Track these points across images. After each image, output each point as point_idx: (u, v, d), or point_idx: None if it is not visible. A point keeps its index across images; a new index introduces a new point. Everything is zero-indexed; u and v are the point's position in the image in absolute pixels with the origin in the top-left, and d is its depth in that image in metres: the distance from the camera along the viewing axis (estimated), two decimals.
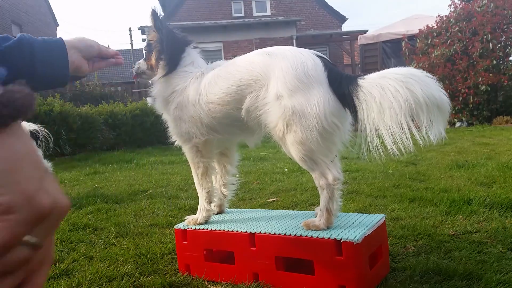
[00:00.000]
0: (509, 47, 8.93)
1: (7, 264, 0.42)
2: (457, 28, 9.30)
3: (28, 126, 3.75)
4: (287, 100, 1.58)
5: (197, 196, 1.93)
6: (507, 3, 8.94)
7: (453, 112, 8.98)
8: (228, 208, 2.13)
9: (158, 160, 6.13)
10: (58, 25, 25.03)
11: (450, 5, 10.07)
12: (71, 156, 7.05)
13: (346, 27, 27.12)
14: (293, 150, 1.62)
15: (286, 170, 4.45)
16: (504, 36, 9.03)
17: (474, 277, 1.61)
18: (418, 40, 10.19)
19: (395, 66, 1.60)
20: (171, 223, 2.62)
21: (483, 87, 8.73)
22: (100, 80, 12.48)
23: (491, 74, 8.70)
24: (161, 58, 1.84)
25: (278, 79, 1.60)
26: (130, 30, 29.01)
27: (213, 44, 16.14)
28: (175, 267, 1.92)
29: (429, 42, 9.81)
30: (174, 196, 3.49)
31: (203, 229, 1.83)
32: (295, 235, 1.61)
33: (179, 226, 1.91)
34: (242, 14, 19.69)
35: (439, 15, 10.03)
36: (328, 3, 20.56)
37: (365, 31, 15.84)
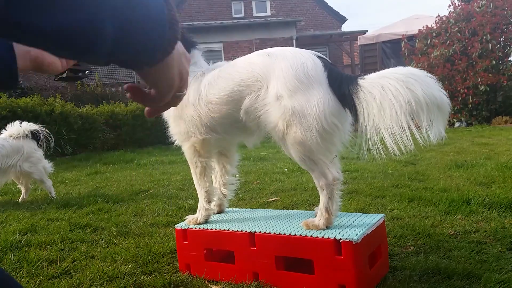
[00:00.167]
0: (508, 48, 8.94)
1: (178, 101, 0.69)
2: (456, 29, 9.31)
3: (29, 126, 3.76)
4: (287, 101, 1.59)
5: (198, 195, 1.94)
6: (506, 3, 8.95)
7: (452, 112, 8.98)
8: (228, 207, 2.14)
9: (159, 160, 6.14)
10: None
11: (450, 6, 10.09)
12: (72, 156, 7.05)
13: (346, 27, 27.13)
14: (293, 150, 1.63)
15: (286, 170, 4.46)
16: (503, 37, 9.05)
17: (473, 276, 1.62)
18: (417, 41, 10.20)
19: (394, 66, 1.61)
20: (171, 222, 2.63)
21: (482, 87, 8.74)
22: (101, 80, 12.47)
23: (490, 75, 8.71)
24: None
25: (278, 80, 1.61)
26: None
27: (213, 44, 16.14)
28: (176, 267, 1.92)
29: (428, 42, 9.82)
30: (174, 195, 3.50)
31: (204, 228, 1.84)
32: (295, 234, 1.61)
33: (180, 225, 1.92)
34: (242, 15, 19.69)
35: (438, 16, 10.05)
36: (328, 4, 20.57)
37: (364, 32, 15.83)
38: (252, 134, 1.86)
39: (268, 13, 19.88)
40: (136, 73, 0.63)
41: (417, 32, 10.33)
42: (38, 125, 3.88)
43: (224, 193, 2.07)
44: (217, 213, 2.06)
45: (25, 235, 2.52)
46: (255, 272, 1.70)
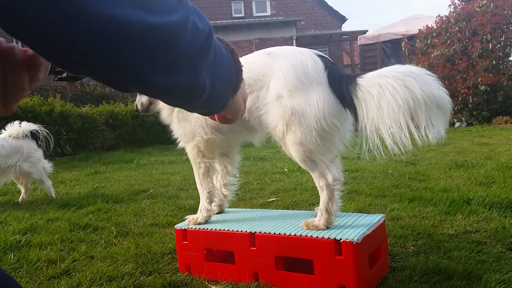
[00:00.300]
0: (508, 47, 8.94)
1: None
2: (456, 28, 9.31)
3: (28, 126, 3.76)
4: (287, 100, 1.59)
5: (198, 196, 1.93)
6: (506, 3, 8.95)
7: (453, 112, 8.96)
8: (228, 208, 2.14)
9: (159, 160, 6.14)
10: None
11: (450, 5, 10.08)
12: (72, 156, 7.05)
13: (346, 27, 27.12)
14: (293, 150, 1.63)
15: (286, 170, 4.45)
16: (503, 36, 9.05)
17: (474, 276, 1.61)
18: (417, 40, 10.20)
19: None
20: (171, 222, 2.63)
21: (482, 87, 8.74)
22: None
23: (490, 74, 8.71)
24: None
25: (279, 79, 1.61)
26: None
27: None
28: (176, 267, 1.92)
29: (428, 42, 9.82)
30: (174, 196, 3.50)
31: (203, 228, 1.83)
32: (295, 235, 1.61)
33: (180, 225, 1.91)
34: (242, 14, 19.70)
35: (438, 15, 10.05)
36: (328, 3, 20.58)
37: (365, 31, 15.84)
38: (256, 132, 1.85)
39: (268, 12, 19.89)
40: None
41: (417, 32, 10.34)
42: (37, 125, 3.88)
43: (225, 194, 2.07)
44: (217, 213, 2.06)
45: (25, 235, 2.52)
46: (255, 272, 1.70)
